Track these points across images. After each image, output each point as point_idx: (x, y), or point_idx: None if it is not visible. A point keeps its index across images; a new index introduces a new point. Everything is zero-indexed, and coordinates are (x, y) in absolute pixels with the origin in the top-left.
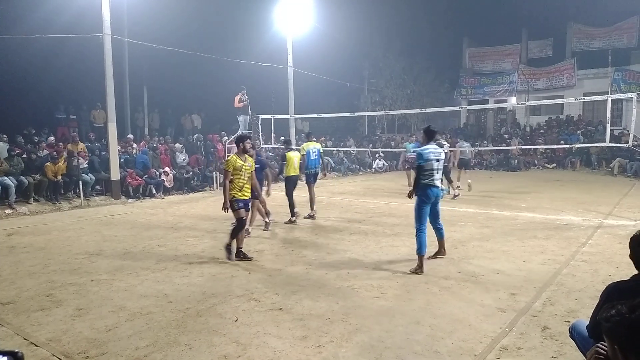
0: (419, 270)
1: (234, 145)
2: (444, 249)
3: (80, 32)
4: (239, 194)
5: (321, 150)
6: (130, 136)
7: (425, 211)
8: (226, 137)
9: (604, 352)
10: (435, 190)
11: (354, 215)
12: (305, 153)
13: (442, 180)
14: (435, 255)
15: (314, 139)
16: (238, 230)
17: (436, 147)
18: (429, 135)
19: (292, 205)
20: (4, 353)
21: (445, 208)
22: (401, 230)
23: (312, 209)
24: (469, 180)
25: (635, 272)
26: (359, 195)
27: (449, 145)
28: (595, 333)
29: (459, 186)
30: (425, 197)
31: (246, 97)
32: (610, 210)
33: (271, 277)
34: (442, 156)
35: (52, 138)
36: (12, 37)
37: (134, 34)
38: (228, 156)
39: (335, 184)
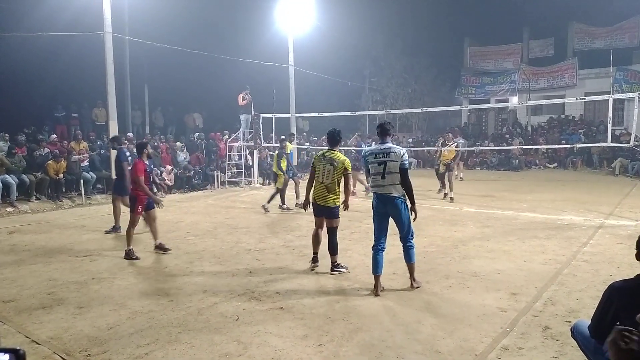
0: (373, 290)
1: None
2: (413, 279)
3: (82, 30)
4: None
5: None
6: (130, 134)
7: (375, 221)
8: (227, 136)
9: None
10: (381, 197)
11: (354, 214)
12: (289, 152)
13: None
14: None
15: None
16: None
17: (384, 147)
18: (381, 133)
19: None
20: (5, 351)
21: (446, 208)
22: None
23: (297, 197)
24: (461, 174)
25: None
26: (359, 194)
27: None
28: (598, 333)
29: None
30: (373, 204)
31: (249, 96)
32: (611, 211)
33: (272, 276)
34: (392, 157)
35: (54, 136)
36: (14, 35)
37: (135, 32)
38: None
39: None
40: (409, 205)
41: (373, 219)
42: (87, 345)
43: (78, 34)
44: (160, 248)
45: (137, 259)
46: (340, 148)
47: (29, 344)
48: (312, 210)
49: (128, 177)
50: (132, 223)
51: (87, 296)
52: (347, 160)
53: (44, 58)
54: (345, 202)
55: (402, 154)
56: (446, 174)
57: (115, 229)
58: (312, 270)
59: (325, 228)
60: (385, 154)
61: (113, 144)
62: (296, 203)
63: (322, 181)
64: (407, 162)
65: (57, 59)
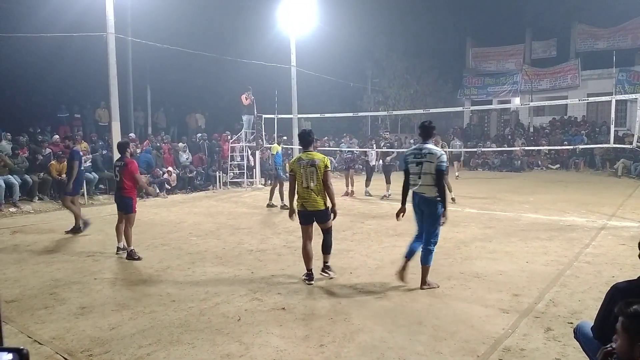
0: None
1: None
2: (423, 282)
3: (84, 31)
4: None
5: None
6: (132, 135)
7: (415, 218)
8: (229, 137)
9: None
10: (416, 196)
11: (356, 215)
12: (275, 153)
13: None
14: (400, 276)
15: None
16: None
17: (423, 148)
18: (423, 134)
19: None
20: (9, 350)
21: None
22: (404, 230)
23: (282, 200)
24: (457, 172)
25: None
26: (361, 195)
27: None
28: (601, 334)
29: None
30: (412, 202)
31: (252, 97)
32: (614, 212)
33: (274, 276)
34: (428, 158)
35: (57, 136)
36: (17, 35)
37: (137, 33)
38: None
39: (338, 184)
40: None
41: (415, 218)
42: (89, 345)
43: (81, 34)
44: (127, 253)
45: (139, 259)
46: (347, 148)
47: (31, 344)
48: (298, 220)
49: (73, 177)
50: (131, 223)
51: (89, 296)
52: (327, 158)
53: (47, 59)
54: (333, 209)
55: (439, 155)
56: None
57: (76, 229)
58: (308, 285)
59: (320, 231)
60: (422, 155)
61: (66, 142)
62: (281, 205)
63: (308, 186)
64: (444, 164)
65: (60, 59)
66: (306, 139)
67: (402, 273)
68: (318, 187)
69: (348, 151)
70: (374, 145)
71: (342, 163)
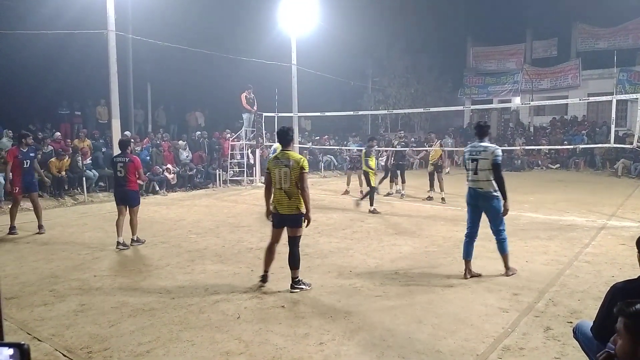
0: (465, 274)
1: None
2: (507, 267)
3: (85, 28)
4: None
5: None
6: (127, 133)
7: (468, 212)
8: (229, 135)
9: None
10: (472, 191)
11: (356, 214)
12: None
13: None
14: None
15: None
16: None
17: (478, 145)
18: (478, 133)
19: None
20: (10, 345)
21: (447, 207)
22: (403, 229)
23: None
24: (447, 169)
25: None
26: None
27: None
28: (601, 334)
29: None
30: (466, 196)
31: (252, 95)
32: (613, 212)
33: (273, 274)
34: (483, 155)
35: (58, 134)
36: (18, 33)
37: (138, 31)
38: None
39: (338, 182)
40: (502, 200)
41: (467, 210)
42: (89, 342)
43: (82, 32)
44: (131, 240)
45: (144, 241)
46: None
47: (30, 340)
48: (271, 221)
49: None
50: (136, 214)
51: (89, 293)
52: (304, 159)
53: (48, 56)
54: (307, 215)
55: (493, 150)
56: (435, 174)
57: (41, 227)
58: (260, 288)
59: (287, 238)
60: (478, 152)
61: (20, 140)
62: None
63: (281, 187)
64: (499, 157)
65: (61, 57)
66: (284, 138)
67: (470, 272)
68: (292, 189)
69: (357, 150)
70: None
71: (349, 162)
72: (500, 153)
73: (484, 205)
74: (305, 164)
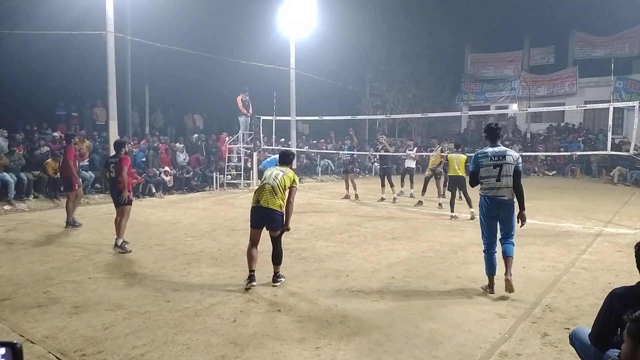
0: (487, 289)
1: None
2: (510, 273)
3: (84, 29)
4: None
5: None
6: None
7: (485, 225)
8: (227, 138)
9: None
10: (493, 200)
11: (353, 218)
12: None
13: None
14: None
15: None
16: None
17: (499, 150)
18: (491, 137)
19: (468, 199)
20: (2, 344)
21: (444, 213)
22: (400, 234)
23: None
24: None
25: (639, 279)
26: (365, 199)
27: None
28: (599, 340)
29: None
30: (483, 208)
31: (247, 97)
32: (610, 219)
33: (269, 278)
34: (508, 160)
35: (56, 134)
36: (17, 33)
37: (137, 33)
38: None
39: (335, 187)
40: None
41: (481, 222)
42: (83, 345)
43: (80, 32)
44: (115, 245)
45: (129, 251)
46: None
47: (23, 342)
48: (250, 220)
49: None
50: (126, 215)
51: (83, 295)
52: (296, 178)
53: (46, 57)
54: (286, 225)
55: (517, 157)
56: (432, 179)
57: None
58: (248, 289)
59: (270, 239)
60: (501, 157)
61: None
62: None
63: (269, 182)
64: (521, 165)
65: (59, 57)
66: (284, 159)
67: (492, 289)
68: (278, 187)
69: (347, 154)
70: (410, 149)
71: (341, 166)
72: (521, 161)
73: (504, 215)
74: (297, 180)
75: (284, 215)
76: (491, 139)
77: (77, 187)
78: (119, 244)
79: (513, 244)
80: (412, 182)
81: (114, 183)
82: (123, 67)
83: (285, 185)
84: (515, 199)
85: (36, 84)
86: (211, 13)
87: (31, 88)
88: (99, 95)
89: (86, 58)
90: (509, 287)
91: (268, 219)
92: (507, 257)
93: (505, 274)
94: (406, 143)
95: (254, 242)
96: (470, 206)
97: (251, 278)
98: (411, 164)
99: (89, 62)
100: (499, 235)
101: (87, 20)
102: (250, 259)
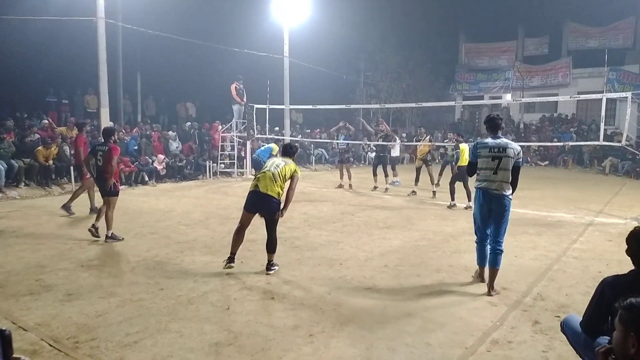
0: (478, 278)
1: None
2: (492, 286)
3: (74, 15)
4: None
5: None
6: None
7: (478, 219)
8: (221, 127)
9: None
10: (487, 193)
11: (346, 207)
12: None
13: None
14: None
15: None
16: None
17: (500, 142)
18: (491, 127)
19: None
20: None
21: (437, 202)
22: (394, 223)
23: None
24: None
25: (631, 267)
26: (359, 188)
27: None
28: (590, 328)
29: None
30: (477, 200)
31: (242, 86)
32: (601, 209)
33: (263, 266)
34: (508, 153)
35: (46, 121)
36: (6, 18)
37: (128, 19)
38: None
39: (329, 176)
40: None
41: (474, 215)
42: (75, 332)
43: (71, 18)
44: (106, 236)
45: (122, 239)
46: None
47: (15, 330)
48: (244, 203)
49: None
50: (112, 206)
51: (76, 283)
52: (298, 169)
53: (36, 43)
54: (284, 209)
55: (518, 151)
56: (422, 168)
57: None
58: (225, 269)
59: (264, 224)
60: (501, 149)
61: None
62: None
63: (270, 169)
64: (521, 160)
65: (49, 44)
66: (287, 151)
67: (483, 277)
68: (278, 176)
69: (343, 142)
70: (397, 138)
71: (335, 155)
72: (522, 155)
73: (496, 209)
74: (299, 171)
75: (281, 203)
76: (492, 129)
77: (86, 177)
78: (110, 234)
79: (501, 252)
80: (394, 169)
81: (101, 172)
82: (114, 54)
83: (285, 175)
84: (511, 195)
85: (26, 70)
86: (204, 0)
87: (21, 74)
88: (90, 82)
89: (77, 44)
90: (488, 294)
91: (264, 205)
92: (492, 269)
93: (487, 284)
94: (420, 131)
95: (243, 224)
96: (470, 199)
97: (231, 259)
98: (396, 152)
99: (79, 48)
100: None
101: (77, 6)
102: (236, 240)
